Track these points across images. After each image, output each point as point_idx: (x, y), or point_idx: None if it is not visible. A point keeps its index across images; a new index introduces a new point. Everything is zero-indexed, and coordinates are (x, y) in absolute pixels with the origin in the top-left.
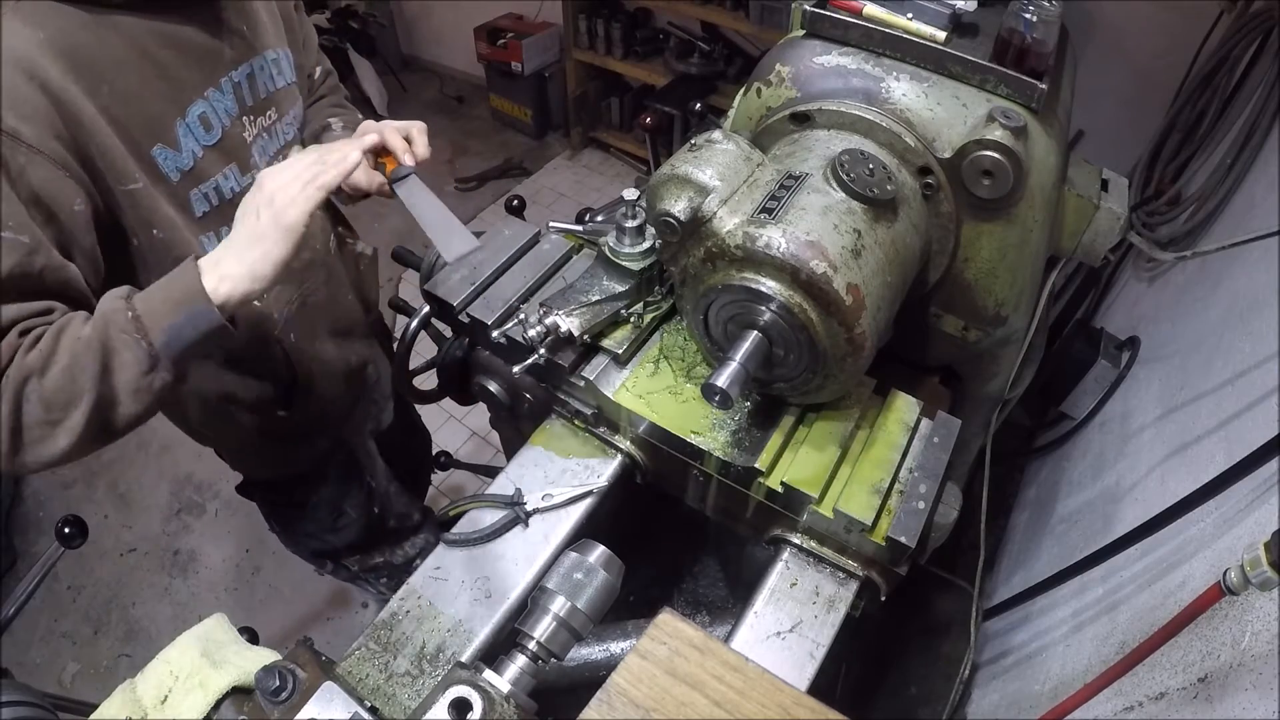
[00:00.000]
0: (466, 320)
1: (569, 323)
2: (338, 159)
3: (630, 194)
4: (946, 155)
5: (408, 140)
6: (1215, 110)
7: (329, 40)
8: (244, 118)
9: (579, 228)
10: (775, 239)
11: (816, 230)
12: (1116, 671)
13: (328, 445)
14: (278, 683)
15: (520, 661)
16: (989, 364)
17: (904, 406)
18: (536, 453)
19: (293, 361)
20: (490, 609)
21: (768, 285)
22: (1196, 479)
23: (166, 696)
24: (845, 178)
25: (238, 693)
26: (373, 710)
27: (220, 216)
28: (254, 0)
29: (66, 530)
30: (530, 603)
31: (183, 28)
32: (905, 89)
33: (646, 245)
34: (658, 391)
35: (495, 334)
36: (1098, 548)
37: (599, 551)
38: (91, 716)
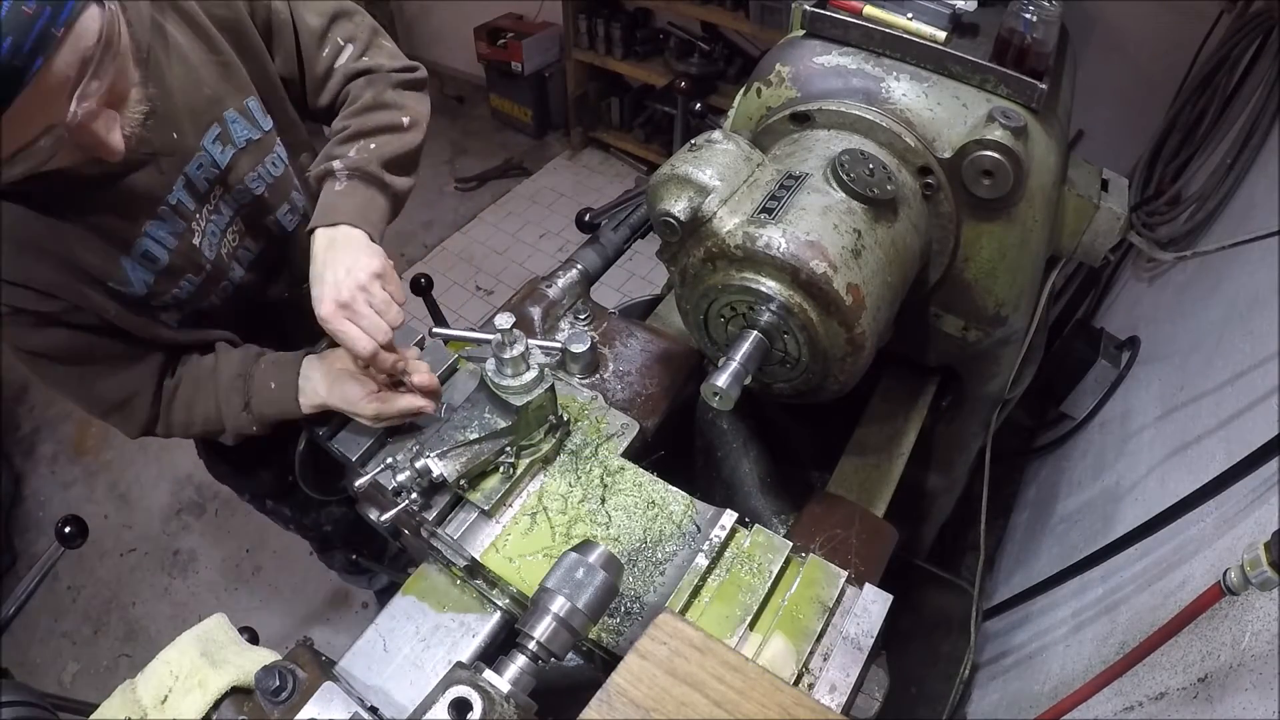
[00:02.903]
0: (336, 451)
1: (441, 466)
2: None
3: (504, 321)
4: (946, 155)
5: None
6: (1215, 110)
7: None
8: (191, 223)
9: (467, 334)
10: (775, 239)
11: (816, 230)
12: (1116, 671)
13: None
14: (278, 683)
15: (520, 661)
16: (989, 364)
17: (823, 579)
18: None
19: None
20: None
21: (768, 285)
22: (1196, 479)
23: (166, 696)
24: (845, 178)
25: (238, 693)
26: (373, 710)
27: (186, 306)
28: (196, 69)
29: (66, 530)
30: (531, 603)
31: (102, 189)
32: (905, 89)
33: (531, 375)
34: (531, 554)
35: (360, 482)
36: (1098, 548)
37: (599, 551)
38: (91, 716)
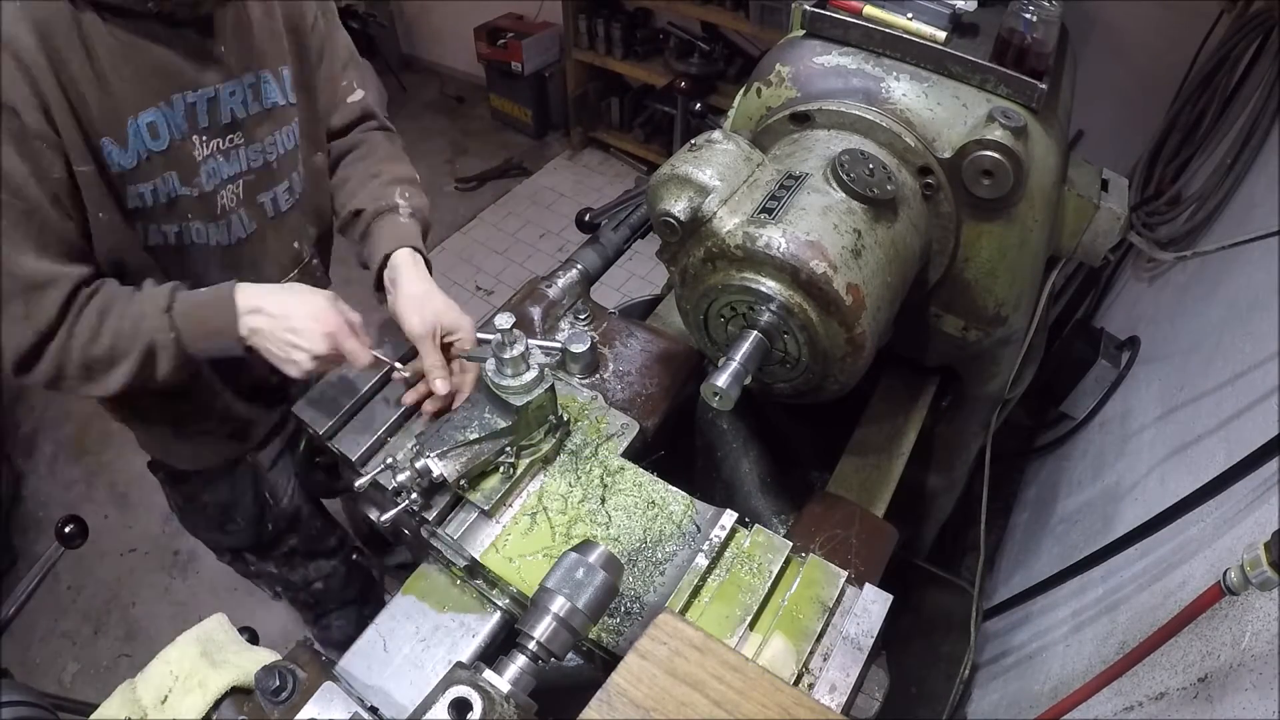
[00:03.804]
0: (336, 451)
1: (441, 466)
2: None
3: (504, 321)
4: (946, 155)
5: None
6: (1215, 110)
7: None
8: (195, 137)
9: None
10: (775, 239)
11: (816, 230)
12: (1116, 671)
13: (230, 454)
14: (278, 683)
15: (520, 661)
16: (989, 364)
17: (823, 579)
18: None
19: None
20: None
21: (768, 285)
22: (1196, 479)
23: (166, 696)
24: (845, 178)
25: (238, 693)
26: (373, 710)
27: (149, 214)
28: (251, 21)
29: (66, 530)
30: (531, 603)
31: (152, 44)
32: (905, 89)
33: (531, 375)
34: (531, 554)
35: (359, 482)
36: (1098, 548)
37: (599, 551)
38: (91, 716)
